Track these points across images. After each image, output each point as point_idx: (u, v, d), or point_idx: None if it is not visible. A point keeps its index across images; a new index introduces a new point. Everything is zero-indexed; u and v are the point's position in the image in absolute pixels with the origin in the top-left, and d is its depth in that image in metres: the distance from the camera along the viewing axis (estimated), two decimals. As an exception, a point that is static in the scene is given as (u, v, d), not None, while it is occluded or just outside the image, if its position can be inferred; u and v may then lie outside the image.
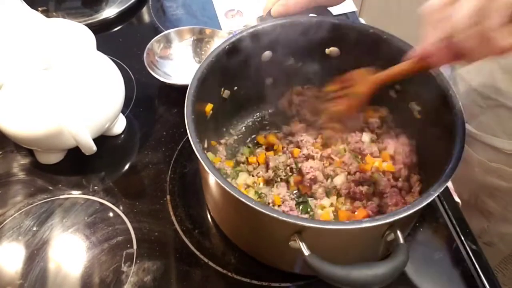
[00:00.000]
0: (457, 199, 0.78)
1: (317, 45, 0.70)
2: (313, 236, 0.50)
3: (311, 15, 0.72)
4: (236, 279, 0.64)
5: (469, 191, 0.92)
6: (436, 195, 0.50)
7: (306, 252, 0.48)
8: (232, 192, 0.49)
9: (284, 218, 0.47)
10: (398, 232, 0.50)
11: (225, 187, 0.50)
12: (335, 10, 1.01)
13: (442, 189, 0.50)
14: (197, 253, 0.66)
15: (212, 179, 0.55)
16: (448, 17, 0.46)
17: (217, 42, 0.91)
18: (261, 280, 0.64)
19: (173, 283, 0.64)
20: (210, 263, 0.65)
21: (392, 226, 0.50)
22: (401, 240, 0.49)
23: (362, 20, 1.03)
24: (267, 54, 0.70)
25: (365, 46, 0.66)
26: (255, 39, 0.66)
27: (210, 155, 0.69)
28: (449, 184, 0.89)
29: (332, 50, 0.70)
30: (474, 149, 0.88)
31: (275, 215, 0.48)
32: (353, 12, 1.03)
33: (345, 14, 1.02)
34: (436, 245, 0.69)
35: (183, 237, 0.68)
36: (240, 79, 0.71)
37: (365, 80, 0.62)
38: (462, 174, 0.87)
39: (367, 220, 0.48)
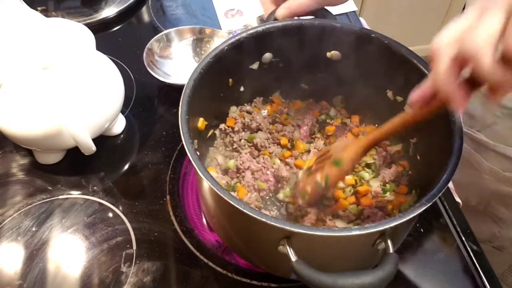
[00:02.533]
0: (457, 199, 0.77)
1: (318, 48, 0.69)
2: (302, 242, 0.49)
3: (311, 17, 0.72)
4: (236, 279, 0.64)
5: (478, 197, 0.91)
6: (429, 205, 0.49)
7: (293, 257, 0.48)
8: (222, 195, 0.49)
9: (273, 223, 0.47)
10: (389, 241, 0.49)
11: (216, 190, 0.49)
12: (335, 10, 1.01)
13: (434, 199, 0.49)
14: (197, 253, 0.66)
15: (203, 182, 0.55)
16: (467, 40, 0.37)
17: (217, 41, 0.91)
18: (261, 280, 0.64)
19: (172, 283, 0.63)
20: (210, 264, 0.65)
21: (383, 234, 0.49)
22: (391, 250, 0.48)
23: (362, 20, 1.03)
24: (267, 56, 0.70)
25: (366, 51, 0.66)
26: (255, 41, 0.66)
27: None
28: (450, 184, 0.88)
29: (333, 53, 0.70)
30: (487, 158, 0.87)
31: (263, 220, 0.47)
32: (353, 11, 1.02)
33: (345, 14, 1.02)
34: (437, 245, 0.69)
35: (183, 237, 0.68)
36: (238, 80, 0.71)
37: (351, 145, 0.59)
38: (472, 181, 0.86)
39: (357, 228, 0.47)
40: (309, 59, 0.70)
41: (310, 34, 0.67)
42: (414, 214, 0.48)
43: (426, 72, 0.60)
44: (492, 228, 0.92)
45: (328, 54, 0.70)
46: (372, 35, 0.65)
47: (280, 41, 0.67)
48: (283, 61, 0.71)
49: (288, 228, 0.47)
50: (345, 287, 0.45)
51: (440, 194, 0.49)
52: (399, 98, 0.68)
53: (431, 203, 0.49)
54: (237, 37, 0.65)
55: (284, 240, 0.49)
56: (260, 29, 0.66)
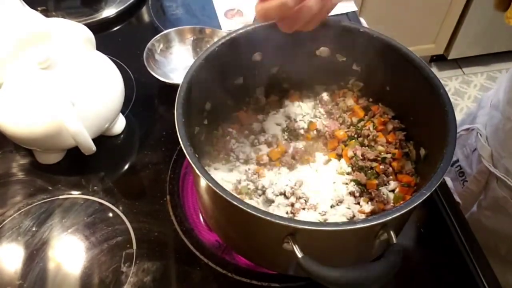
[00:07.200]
0: (457, 199, 0.77)
1: (307, 46, 0.70)
2: (306, 238, 0.50)
3: None
4: (236, 279, 0.64)
5: (508, 247, 0.86)
6: (428, 194, 0.49)
7: (299, 254, 0.48)
8: (224, 195, 0.49)
9: (277, 221, 0.47)
10: (391, 232, 0.50)
11: (217, 190, 0.49)
12: (334, 10, 1.01)
13: (434, 188, 0.50)
14: (197, 253, 0.66)
15: (203, 182, 0.55)
16: None
17: (217, 42, 0.91)
18: (261, 280, 0.64)
19: (173, 283, 0.63)
20: (210, 264, 0.65)
21: (385, 226, 0.50)
22: (394, 240, 0.49)
23: (362, 20, 1.03)
24: (258, 54, 0.70)
25: (356, 45, 0.67)
26: (245, 41, 0.66)
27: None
28: (449, 184, 0.88)
29: (322, 50, 0.71)
30: None
31: (268, 218, 0.47)
32: (353, 12, 1.03)
33: (345, 14, 1.02)
34: (437, 245, 0.69)
35: (183, 237, 0.68)
36: (233, 79, 0.72)
37: None
38: (504, 229, 0.83)
39: (361, 221, 0.48)
40: (298, 58, 0.71)
41: (299, 32, 0.67)
42: (415, 204, 0.49)
43: (418, 61, 0.62)
44: None
45: (317, 51, 0.70)
46: (360, 30, 0.66)
47: (267, 41, 0.68)
48: (271, 60, 0.72)
49: (292, 225, 0.47)
50: (354, 280, 0.45)
51: (439, 183, 0.50)
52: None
53: (430, 192, 0.49)
54: (227, 38, 0.65)
55: (288, 237, 0.49)
56: (249, 28, 0.66)
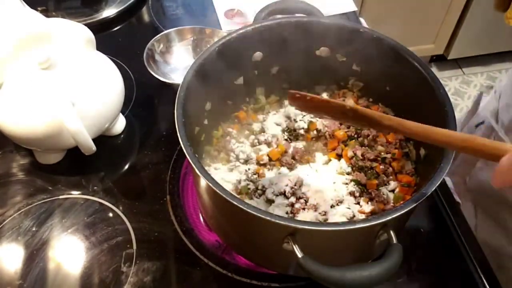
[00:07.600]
0: (457, 199, 0.77)
1: (307, 46, 0.70)
2: (306, 237, 0.50)
3: (300, 15, 0.72)
4: (236, 279, 0.64)
5: (484, 203, 0.87)
6: (428, 194, 0.50)
7: (299, 254, 0.48)
8: (224, 195, 0.49)
9: (277, 221, 0.47)
10: (391, 232, 0.50)
11: (217, 190, 0.50)
12: (334, 10, 1.01)
13: (434, 187, 0.50)
14: (197, 253, 0.66)
15: (203, 182, 0.55)
16: None
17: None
18: (261, 280, 0.64)
19: (173, 283, 0.63)
20: (210, 264, 0.65)
21: (385, 226, 0.50)
22: (394, 240, 0.49)
23: (362, 20, 1.03)
24: (258, 54, 0.70)
25: (357, 45, 0.67)
26: (245, 41, 0.67)
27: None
28: (449, 184, 0.89)
29: (322, 50, 0.71)
30: None
31: (268, 218, 0.47)
32: (353, 12, 1.02)
33: (345, 14, 1.02)
34: (437, 245, 0.69)
35: (183, 237, 0.68)
36: (233, 79, 0.72)
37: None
38: (487, 180, 0.83)
39: (361, 221, 0.48)
40: (298, 58, 0.71)
41: (298, 32, 0.68)
42: (415, 204, 0.49)
43: (418, 61, 0.63)
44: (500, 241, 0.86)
45: (317, 52, 0.71)
46: (361, 30, 0.66)
47: (267, 41, 0.68)
48: (272, 59, 0.72)
49: (292, 225, 0.47)
50: (354, 280, 0.45)
51: (439, 183, 0.50)
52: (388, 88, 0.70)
53: (431, 191, 0.49)
54: (227, 38, 0.65)
55: (288, 237, 0.49)
56: (249, 29, 0.66)
